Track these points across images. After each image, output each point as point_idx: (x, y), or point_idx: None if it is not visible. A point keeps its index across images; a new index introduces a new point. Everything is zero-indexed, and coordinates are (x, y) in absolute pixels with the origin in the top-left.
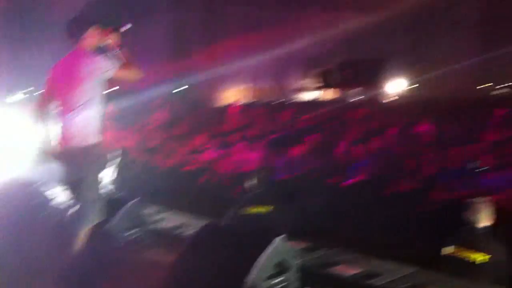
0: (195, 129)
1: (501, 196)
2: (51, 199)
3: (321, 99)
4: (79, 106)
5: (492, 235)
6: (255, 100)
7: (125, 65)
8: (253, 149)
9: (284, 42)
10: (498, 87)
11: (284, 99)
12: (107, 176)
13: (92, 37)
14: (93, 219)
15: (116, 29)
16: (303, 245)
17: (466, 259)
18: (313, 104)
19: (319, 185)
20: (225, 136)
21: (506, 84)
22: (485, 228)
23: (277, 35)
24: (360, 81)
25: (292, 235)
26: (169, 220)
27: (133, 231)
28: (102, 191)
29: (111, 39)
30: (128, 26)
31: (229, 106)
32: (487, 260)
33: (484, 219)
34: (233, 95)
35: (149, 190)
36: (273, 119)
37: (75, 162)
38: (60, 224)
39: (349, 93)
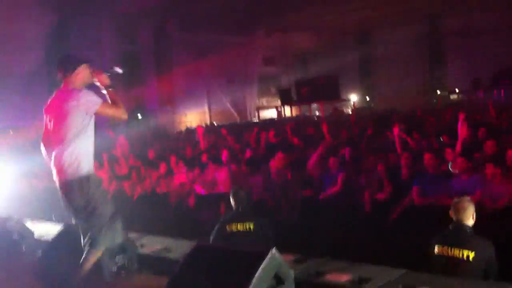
0: (163, 153)
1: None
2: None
3: (282, 117)
4: (66, 140)
5: (475, 232)
6: (218, 122)
7: (112, 103)
8: (224, 169)
9: (240, 64)
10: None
11: (247, 119)
12: None
13: (81, 75)
14: (105, 243)
15: (107, 71)
16: (291, 257)
17: (452, 257)
18: (276, 122)
19: (296, 199)
20: (195, 158)
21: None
22: (468, 226)
23: (232, 58)
24: (318, 97)
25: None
26: (151, 244)
27: (118, 257)
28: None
29: (99, 79)
30: (119, 70)
31: (196, 129)
32: (472, 257)
33: (468, 218)
34: (194, 119)
35: (127, 217)
36: (239, 139)
37: (72, 194)
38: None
39: (309, 109)
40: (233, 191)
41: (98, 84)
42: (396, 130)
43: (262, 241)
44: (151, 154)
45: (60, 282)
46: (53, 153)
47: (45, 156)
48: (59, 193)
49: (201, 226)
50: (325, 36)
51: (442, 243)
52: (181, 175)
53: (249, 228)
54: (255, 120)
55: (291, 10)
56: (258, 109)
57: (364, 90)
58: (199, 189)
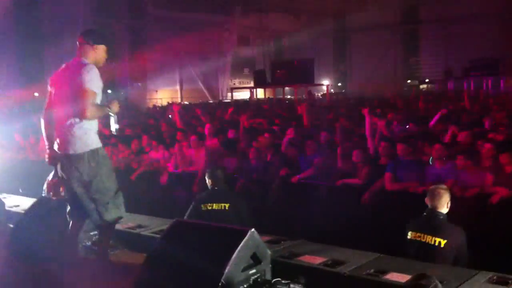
0: (138, 131)
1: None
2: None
3: (256, 98)
4: (76, 114)
5: (449, 220)
6: (190, 100)
7: (98, 107)
8: (199, 149)
9: (214, 43)
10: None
11: (218, 99)
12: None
13: (98, 52)
14: (113, 217)
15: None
16: (266, 238)
17: (425, 243)
18: (251, 103)
19: (273, 181)
20: (170, 136)
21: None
22: (442, 213)
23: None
24: (293, 81)
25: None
26: (124, 221)
27: (93, 233)
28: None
29: (112, 108)
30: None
31: (171, 106)
32: (444, 244)
33: (442, 205)
34: (165, 96)
35: None
36: (214, 118)
37: (81, 167)
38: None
39: (282, 92)
40: (210, 171)
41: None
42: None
43: (236, 222)
44: (126, 131)
45: (33, 253)
46: (61, 126)
47: (45, 128)
48: (61, 166)
49: (173, 204)
50: (302, 19)
51: (415, 229)
52: (154, 153)
53: (225, 208)
54: (227, 100)
55: None
56: (232, 89)
57: (338, 75)
58: (172, 167)
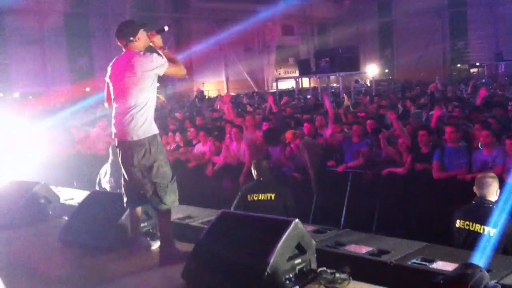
0: (183, 122)
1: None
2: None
3: (300, 88)
4: (140, 101)
5: (498, 209)
6: (235, 91)
7: (172, 62)
8: (244, 141)
9: (258, 34)
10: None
11: (265, 90)
12: (107, 174)
13: (141, 40)
14: (171, 200)
15: (158, 31)
16: (311, 227)
17: (473, 232)
18: (295, 93)
19: (317, 171)
20: (217, 128)
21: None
22: (491, 201)
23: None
24: (337, 69)
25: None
26: (173, 212)
27: (143, 224)
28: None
29: (155, 41)
30: (167, 28)
31: (217, 98)
32: (494, 233)
33: (491, 194)
34: (212, 88)
35: None
36: (260, 110)
37: (141, 153)
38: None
39: (328, 81)
40: (256, 162)
41: (154, 44)
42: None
43: (282, 212)
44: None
45: (88, 244)
46: (121, 114)
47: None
48: (118, 153)
49: (220, 195)
50: (346, 5)
51: (464, 218)
52: (201, 144)
53: (270, 198)
54: (273, 90)
55: None
56: (276, 79)
57: (384, 61)
58: (218, 159)
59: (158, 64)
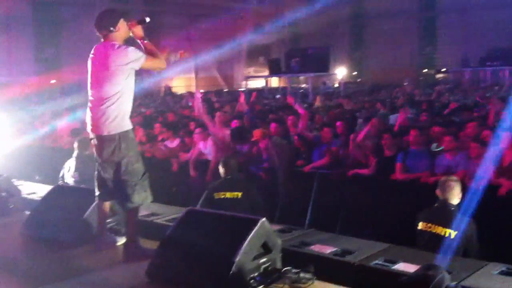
0: (151, 119)
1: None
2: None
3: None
4: (111, 96)
5: (459, 211)
6: (204, 88)
7: (151, 55)
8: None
9: (231, 32)
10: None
11: (235, 88)
12: (71, 168)
13: (121, 30)
14: (140, 199)
15: (139, 22)
16: (276, 227)
17: (435, 234)
18: (265, 92)
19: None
20: (184, 125)
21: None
22: (453, 205)
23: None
24: (307, 69)
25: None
26: (141, 209)
27: (108, 220)
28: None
29: (136, 31)
30: (148, 19)
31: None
32: (454, 235)
33: (454, 197)
34: (180, 84)
35: None
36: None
37: (111, 148)
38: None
39: (298, 81)
40: (224, 160)
41: (135, 35)
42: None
43: (249, 210)
44: (138, 119)
45: (50, 238)
46: (95, 108)
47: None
48: (94, 147)
49: (186, 192)
50: (318, 5)
51: (426, 220)
52: (170, 142)
53: (237, 196)
54: (242, 89)
55: None
56: (247, 78)
57: (354, 63)
58: (184, 155)
59: (133, 58)
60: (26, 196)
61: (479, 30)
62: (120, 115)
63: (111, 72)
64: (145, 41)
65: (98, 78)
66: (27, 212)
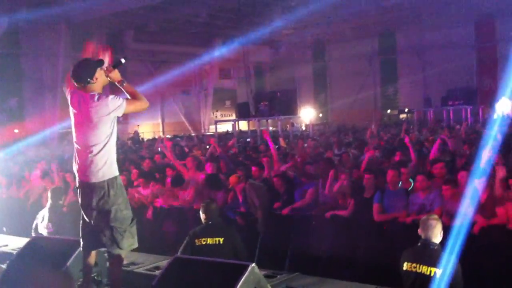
0: (125, 165)
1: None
2: None
3: (239, 131)
4: (97, 144)
5: (442, 249)
6: (171, 133)
7: (132, 97)
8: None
9: (197, 78)
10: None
11: (200, 132)
12: (45, 218)
13: (99, 79)
14: (128, 245)
15: (115, 66)
16: (261, 272)
17: (420, 274)
18: (233, 136)
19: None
20: (157, 171)
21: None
22: (436, 243)
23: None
24: (276, 112)
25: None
26: None
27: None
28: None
29: (113, 76)
30: (123, 61)
31: (162, 140)
32: (439, 274)
33: (436, 235)
34: (147, 129)
35: None
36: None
37: (99, 196)
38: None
39: (266, 124)
40: (205, 205)
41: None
42: None
43: (231, 256)
44: None
45: None
46: (82, 155)
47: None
48: (81, 194)
49: (161, 240)
50: (282, 50)
51: (411, 260)
52: (142, 188)
53: (219, 242)
54: (209, 133)
55: (250, 24)
56: (216, 122)
57: (319, 105)
58: (160, 202)
59: (114, 107)
60: None
61: (438, 70)
62: (108, 162)
63: (94, 124)
64: (124, 84)
65: (83, 129)
66: (2, 266)
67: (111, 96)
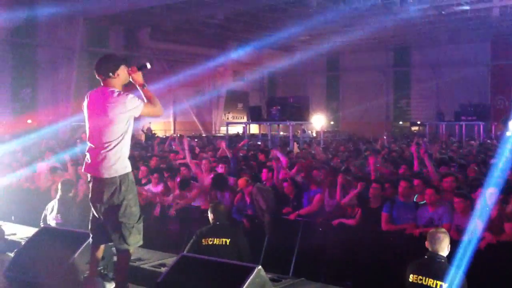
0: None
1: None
2: None
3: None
4: (112, 140)
5: (449, 263)
6: (182, 133)
7: (149, 102)
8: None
9: (209, 77)
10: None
11: (211, 133)
12: (54, 210)
13: (121, 76)
14: (135, 241)
15: (140, 68)
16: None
17: (426, 286)
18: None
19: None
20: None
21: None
22: (443, 256)
23: (204, 73)
24: (287, 117)
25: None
26: None
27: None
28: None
29: (136, 78)
30: (149, 66)
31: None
32: (447, 287)
33: (443, 249)
34: (159, 128)
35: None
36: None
37: (111, 191)
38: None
39: (278, 128)
40: (213, 205)
41: (135, 81)
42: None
43: (236, 257)
44: None
45: (35, 282)
46: (95, 151)
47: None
48: (92, 189)
49: (168, 237)
50: (296, 56)
51: (416, 273)
52: (152, 185)
53: (225, 243)
54: (220, 134)
55: (266, 28)
56: (227, 124)
57: (331, 113)
58: (168, 200)
59: (132, 107)
60: (7, 237)
61: (451, 85)
62: (121, 158)
63: (111, 119)
64: (144, 88)
65: (98, 124)
66: (10, 254)
67: (130, 95)
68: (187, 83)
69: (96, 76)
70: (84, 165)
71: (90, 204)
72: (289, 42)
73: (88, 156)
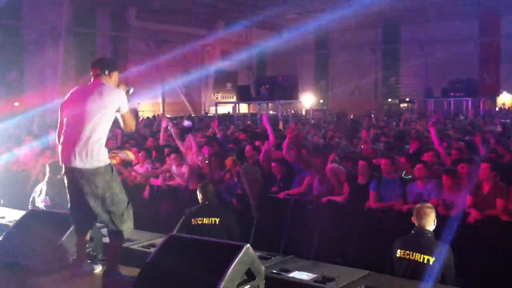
0: (123, 143)
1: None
2: None
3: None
4: (97, 131)
5: (436, 238)
6: (171, 113)
7: (131, 113)
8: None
9: (198, 58)
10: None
11: (201, 113)
12: (42, 192)
13: (113, 78)
14: (128, 228)
15: (124, 87)
16: (256, 253)
17: (413, 261)
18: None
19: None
20: (156, 150)
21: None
22: (430, 231)
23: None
24: (276, 97)
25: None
26: None
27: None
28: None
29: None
30: (132, 90)
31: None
32: (432, 262)
33: (429, 223)
34: (147, 108)
35: None
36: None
37: (96, 181)
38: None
39: (266, 107)
40: (202, 185)
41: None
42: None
43: (226, 236)
44: (110, 144)
45: (24, 265)
46: (76, 142)
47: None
48: (71, 180)
49: (156, 218)
50: (285, 34)
51: (404, 248)
52: (140, 166)
53: (215, 222)
54: (211, 114)
55: (254, 7)
56: (216, 104)
57: (320, 91)
58: (156, 181)
59: (123, 102)
60: None
61: (440, 62)
62: (101, 148)
63: (103, 106)
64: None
65: (86, 112)
66: None
67: (122, 92)
68: (175, 63)
69: (91, 71)
70: (61, 157)
71: (68, 195)
72: (277, 21)
73: (63, 147)
